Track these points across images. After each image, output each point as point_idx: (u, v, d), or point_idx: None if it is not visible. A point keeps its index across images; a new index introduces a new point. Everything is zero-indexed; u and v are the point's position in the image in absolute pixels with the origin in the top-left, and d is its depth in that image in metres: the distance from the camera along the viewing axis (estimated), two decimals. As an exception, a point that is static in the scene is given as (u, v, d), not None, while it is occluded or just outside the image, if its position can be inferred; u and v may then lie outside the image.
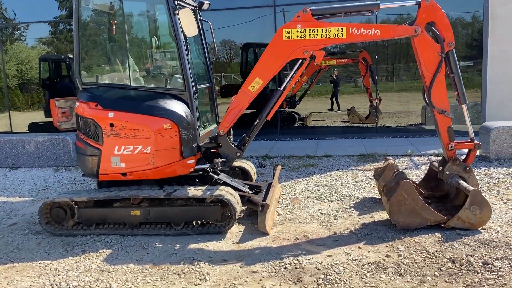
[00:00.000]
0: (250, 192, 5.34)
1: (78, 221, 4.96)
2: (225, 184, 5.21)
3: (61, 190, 6.91)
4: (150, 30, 5.36)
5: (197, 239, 4.63)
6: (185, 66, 4.86)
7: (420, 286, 3.45)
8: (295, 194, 6.06)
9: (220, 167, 5.05)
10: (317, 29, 4.77)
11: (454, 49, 4.75)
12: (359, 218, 5.06)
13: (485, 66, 9.41)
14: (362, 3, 4.83)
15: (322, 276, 3.65)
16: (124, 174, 4.84)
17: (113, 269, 4.01)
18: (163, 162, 4.78)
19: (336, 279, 3.60)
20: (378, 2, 4.80)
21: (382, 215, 5.06)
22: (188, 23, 4.61)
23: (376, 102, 11.96)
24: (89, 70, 5.22)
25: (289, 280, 3.64)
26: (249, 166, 6.15)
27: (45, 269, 4.09)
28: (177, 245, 4.50)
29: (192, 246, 4.47)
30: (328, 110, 13.58)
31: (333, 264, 3.87)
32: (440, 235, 4.35)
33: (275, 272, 3.79)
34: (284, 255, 4.13)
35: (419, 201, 4.51)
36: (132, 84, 4.97)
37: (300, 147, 9.11)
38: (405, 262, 3.84)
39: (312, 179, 6.73)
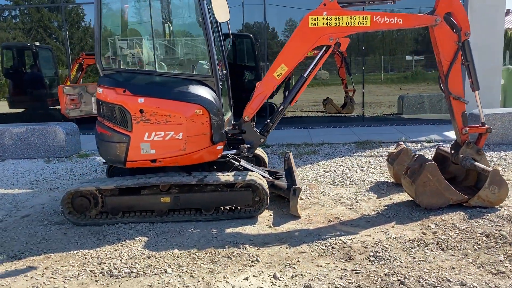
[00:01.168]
0: (271, 177, 5.42)
1: (103, 210, 4.85)
2: (246, 170, 5.26)
3: (63, 180, 6.68)
4: (175, 15, 5.27)
5: (231, 224, 4.66)
6: (212, 52, 4.83)
7: (464, 259, 3.68)
8: (307, 179, 6.20)
9: (246, 153, 5.10)
10: (342, 17, 4.89)
11: (469, 39, 5.04)
12: (379, 200, 5.27)
13: (464, 57, 9.90)
14: (385, -7, 5.02)
15: (372, 254, 3.81)
16: (154, 161, 4.77)
17: (159, 255, 3.98)
18: (194, 148, 4.76)
19: (386, 255, 3.77)
20: (400, -9, 5.01)
21: (400, 197, 5.30)
22: (220, 8, 4.60)
23: (352, 93, 12.36)
24: (112, 55, 5.07)
25: (341, 259, 3.77)
26: (262, 152, 6.21)
27: (85, 258, 3.99)
28: (213, 230, 4.51)
29: (229, 230, 4.50)
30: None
31: (377, 243, 4.03)
32: (463, 213, 4.63)
33: (324, 252, 3.91)
34: (325, 236, 4.26)
35: (442, 181, 4.78)
36: (157, 70, 4.89)
37: (293, 136, 9.27)
38: (442, 238, 4.07)
39: (318, 165, 6.90)
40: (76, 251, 4.14)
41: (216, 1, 4.59)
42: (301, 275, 3.51)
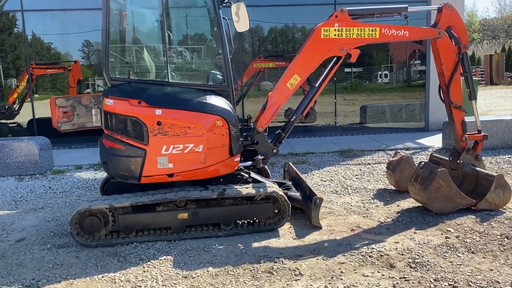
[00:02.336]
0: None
1: (113, 230, 4.54)
2: (256, 181, 5.16)
3: (45, 199, 6.18)
4: (188, 24, 5.09)
5: (254, 238, 4.54)
6: (228, 61, 4.74)
7: (496, 260, 3.84)
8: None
9: (261, 165, 5.02)
10: (353, 29, 4.99)
11: (467, 51, 5.33)
12: (388, 207, 5.39)
13: (428, 68, 10.50)
14: (393, 6, 5.19)
15: (410, 260, 3.87)
16: (171, 175, 4.55)
17: (195, 274, 3.78)
18: (214, 161, 4.60)
19: (424, 261, 3.84)
20: (407, 6, 5.19)
21: (407, 204, 5.45)
22: (242, 17, 4.51)
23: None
24: (118, 65, 4.80)
25: (383, 267, 3.79)
26: (263, 164, 6.13)
27: (115, 282, 3.70)
28: (239, 245, 4.37)
29: (256, 245, 4.38)
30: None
31: (409, 249, 4.10)
32: (474, 217, 4.85)
33: (363, 261, 3.91)
34: (355, 245, 4.27)
35: (453, 187, 4.97)
36: (170, 80, 4.69)
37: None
38: (468, 242, 4.22)
39: (313, 175, 6.94)
40: (100, 276, 3.82)
41: (237, 9, 4.50)
42: (353, 286, 3.48)
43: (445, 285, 3.42)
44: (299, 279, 3.64)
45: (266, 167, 6.12)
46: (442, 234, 4.45)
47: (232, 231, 4.64)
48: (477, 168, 5.33)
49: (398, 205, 5.44)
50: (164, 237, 4.55)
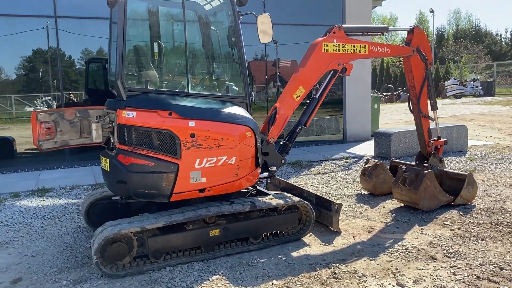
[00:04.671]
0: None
1: (140, 255, 4.11)
2: (262, 193, 5.16)
3: (15, 232, 5.21)
4: (205, 35, 4.85)
5: (287, 248, 4.53)
6: (245, 72, 4.70)
7: (504, 245, 4.48)
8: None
9: (272, 176, 5.03)
10: (347, 45, 5.38)
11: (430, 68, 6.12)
12: (377, 210, 5.82)
13: (344, 86, 11.51)
14: (378, 26, 5.74)
15: (444, 251, 4.30)
16: (202, 190, 4.30)
17: (265, 289, 3.64)
18: (244, 173, 4.48)
19: (455, 251, 4.30)
20: (387, 26, 5.79)
21: (389, 205, 5.97)
22: (266, 29, 4.53)
23: None
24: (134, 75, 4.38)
25: (427, 260, 4.14)
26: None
27: (186, 309, 3.36)
28: (279, 256, 4.33)
29: (295, 254, 4.38)
30: None
31: (431, 242, 4.54)
32: (455, 211, 5.54)
33: (407, 257, 4.21)
34: (385, 244, 4.56)
35: (437, 186, 5.62)
36: (190, 91, 4.45)
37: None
38: (471, 231, 4.83)
39: (285, 186, 7.08)
40: (162, 305, 3.43)
41: (262, 21, 4.52)
42: (421, 279, 3.75)
43: (492, 268, 3.89)
44: (366, 280, 3.77)
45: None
46: (444, 227, 5.01)
47: (263, 244, 4.56)
48: (447, 170, 6.11)
49: (384, 207, 5.91)
50: (197, 257, 4.25)
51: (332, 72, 5.40)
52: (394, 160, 6.89)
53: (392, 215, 5.53)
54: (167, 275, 3.94)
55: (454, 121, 15.32)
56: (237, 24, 4.58)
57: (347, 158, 9.20)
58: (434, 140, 6.22)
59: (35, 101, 10.17)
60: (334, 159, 9.13)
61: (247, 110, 4.71)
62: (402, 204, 5.87)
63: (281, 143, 5.30)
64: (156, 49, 4.69)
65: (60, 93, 9.85)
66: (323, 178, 7.56)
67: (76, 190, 7.05)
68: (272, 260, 4.24)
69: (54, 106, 9.61)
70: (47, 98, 10.44)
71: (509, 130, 13.55)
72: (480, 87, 30.70)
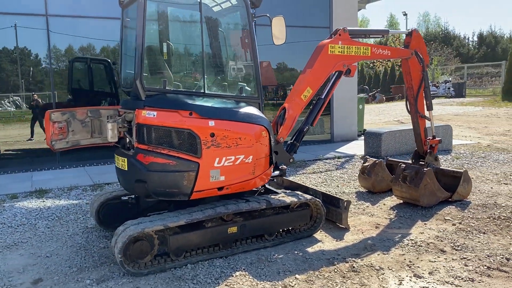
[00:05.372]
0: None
1: (160, 253, 4.16)
2: (271, 191, 5.28)
3: (15, 235, 5.14)
4: (220, 36, 4.92)
5: (302, 244, 4.66)
6: (259, 73, 4.80)
7: (505, 236, 4.74)
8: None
9: (283, 174, 5.16)
10: (352, 46, 5.55)
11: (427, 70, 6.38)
12: (378, 207, 6.03)
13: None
14: (379, 29, 5.95)
15: (451, 245, 4.52)
16: (221, 188, 4.38)
17: (288, 283, 3.76)
18: (259, 172, 4.59)
19: (461, 244, 4.53)
20: (388, 29, 6.00)
21: (389, 202, 6.18)
22: (279, 31, 4.65)
23: None
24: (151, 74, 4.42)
25: (437, 253, 4.35)
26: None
27: (218, 304, 3.45)
28: (296, 252, 4.45)
29: (310, 250, 4.52)
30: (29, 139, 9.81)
31: (437, 236, 4.76)
32: (453, 207, 5.80)
33: (417, 251, 4.41)
34: (395, 239, 4.75)
35: (436, 183, 5.87)
36: (206, 91, 4.52)
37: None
38: (472, 225, 5.08)
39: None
40: (193, 300, 3.50)
41: (277, 23, 4.63)
42: (436, 270, 3.94)
43: (500, 259, 4.13)
44: (384, 273, 3.95)
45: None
46: (445, 222, 5.24)
47: (277, 240, 4.67)
48: (442, 167, 6.38)
49: (384, 204, 6.12)
50: (216, 254, 4.33)
51: (337, 73, 5.56)
52: (389, 158, 7.13)
53: (394, 212, 5.74)
54: (190, 272, 4.01)
55: (439, 122, 15.83)
56: (251, 26, 4.68)
57: (338, 158, 9.41)
58: (429, 139, 6.47)
59: (2, 101, 9.93)
60: (326, 159, 9.33)
61: (260, 110, 4.82)
62: (401, 201, 6.09)
63: (288, 142, 5.42)
64: (169, 50, 4.74)
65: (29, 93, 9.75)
66: (319, 177, 7.73)
67: (74, 191, 6.97)
68: (289, 255, 4.36)
69: (24, 106, 9.46)
70: (15, 98, 10.23)
71: (485, 130, 14.10)
72: (452, 89, 31.68)
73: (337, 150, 10.37)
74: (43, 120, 9.17)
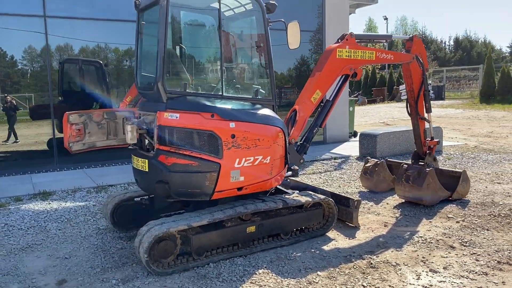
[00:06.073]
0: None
1: (180, 253, 4.23)
2: (281, 191, 5.42)
3: (17, 237, 5.12)
4: (237, 40, 5.01)
5: (317, 243, 4.80)
6: (273, 76, 4.93)
7: (508, 233, 4.98)
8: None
9: (295, 175, 5.29)
10: (358, 51, 5.74)
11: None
12: (382, 206, 6.22)
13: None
14: (383, 34, 6.15)
15: (459, 241, 4.73)
16: (240, 188, 4.48)
17: (312, 279, 3.89)
18: (276, 172, 4.71)
19: (468, 240, 4.74)
20: (391, 34, 6.21)
21: (392, 201, 6.39)
22: (294, 36, 4.78)
23: None
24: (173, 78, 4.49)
25: (447, 249, 4.55)
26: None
27: (248, 300, 3.55)
28: (312, 250, 4.59)
29: (326, 248, 4.66)
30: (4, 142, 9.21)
31: (444, 233, 4.97)
32: (454, 205, 6.04)
33: (428, 247, 4.60)
34: (404, 236, 4.94)
35: (437, 183, 6.10)
36: (224, 94, 4.61)
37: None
38: (475, 223, 5.32)
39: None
40: (223, 297, 3.60)
41: (292, 29, 4.76)
42: (449, 265, 4.14)
43: (508, 253, 4.35)
44: (401, 268, 4.12)
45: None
46: (449, 220, 5.47)
47: (293, 239, 4.80)
48: (441, 167, 6.62)
49: (387, 203, 6.32)
50: (236, 253, 4.44)
51: (343, 76, 5.74)
52: (389, 159, 7.34)
53: (399, 210, 5.94)
54: (213, 271, 4.10)
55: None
56: (266, 30, 4.80)
57: (335, 159, 9.61)
58: (428, 140, 6.71)
59: None
60: (323, 160, 9.51)
61: (274, 112, 4.95)
62: (403, 200, 6.30)
63: (298, 143, 5.56)
64: (187, 53, 4.82)
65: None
66: (320, 178, 7.90)
67: (79, 193, 6.95)
68: (307, 254, 4.49)
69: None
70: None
71: (469, 131, 14.55)
72: (431, 91, 32.46)
73: (331, 151, 10.57)
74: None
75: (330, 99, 5.72)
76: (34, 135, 9.46)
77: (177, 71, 4.65)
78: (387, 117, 20.16)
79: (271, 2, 4.81)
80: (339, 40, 5.68)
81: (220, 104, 4.42)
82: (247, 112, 4.54)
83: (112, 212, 5.09)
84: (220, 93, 4.58)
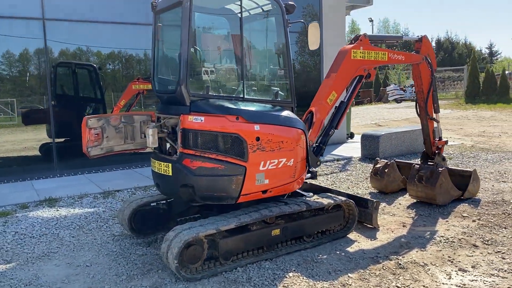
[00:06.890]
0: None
1: (206, 258, 4.17)
2: (299, 194, 5.38)
3: (29, 246, 4.98)
4: (257, 42, 4.96)
5: (340, 244, 4.78)
6: (292, 78, 4.91)
7: (523, 231, 5.06)
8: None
9: (314, 177, 5.27)
10: (371, 52, 5.75)
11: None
12: (395, 206, 6.24)
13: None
14: (394, 35, 6.18)
15: (481, 240, 4.76)
16: (265, 191, 4.44)
17: (345, 281, 3.86)
18: (299, 174, 4.68)
19: (489, 238, 4.78)
20: (402, 35, 6.25)
21: (404, 201, 6.41)
22: (314, 37, 4.77)
23: None
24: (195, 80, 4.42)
25: (470, 248, 4.57)
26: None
27: (285, 305, 3.50)
28: (337, 252, 4.57)
29: (351, 250, 4.64)
30: None
31: (465, 232, 5.01)
32: (466, 204, 6.09)
33: (452, 246, 4.62)
34: (426, 236, 4.96)
35: (450, 183, 6.14)
36: (245, 96, 4.57)
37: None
38: (492, 221, 5.36)
39: (296, 187, 7.33)
40: (259, 302, 3.54)
41: (312, 29, 4.75)
42: (477, 264, 4.16)
43: (532, 251, 4.40)
44: (430, 268, 4.12)
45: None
46: (465, 219, 5.51)
47: (316, 242, 4.77)
48: (450, 167, 6.67)
49: (400, 203, 6.34)
50: (262, 256, 4.39)
51: (358, 77, 5.74)
52: (397, 160, 7.38)
53: (413, 210, 5.96)
54: (243, 275, 4.04)
55: (414, 124, 16.40)
56: (286, 32, 4.78)
57: (338, 160, 9.63)
58: (437, 140, 6.76)
59: None
60: (326, 161, 9.52)
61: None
62: (415, 200, 6.33)
63: (314, 145, 5.53)
64: (208, 56, 4.77)
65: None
66: (327, 179, 7.90)
67: (86, 199, 6.80)
68: (332, 256, 4.47)
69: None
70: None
71: (462, 131, 14.77)
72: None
73: (332, 152, 10.58)
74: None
75: (345, 100, 5.71)
76: (21, 140, 9.22)
77: (198, 73, 4.59)
78: (378, 118, 20.31)
79: (290, 3, 4.79)
80: (353, 41, 5.69)
81: (243, 107, 4.37)
82: (270, 114, 4.50)
83: (129, 218, 4.98)
84: (241, 96, 4.54)
